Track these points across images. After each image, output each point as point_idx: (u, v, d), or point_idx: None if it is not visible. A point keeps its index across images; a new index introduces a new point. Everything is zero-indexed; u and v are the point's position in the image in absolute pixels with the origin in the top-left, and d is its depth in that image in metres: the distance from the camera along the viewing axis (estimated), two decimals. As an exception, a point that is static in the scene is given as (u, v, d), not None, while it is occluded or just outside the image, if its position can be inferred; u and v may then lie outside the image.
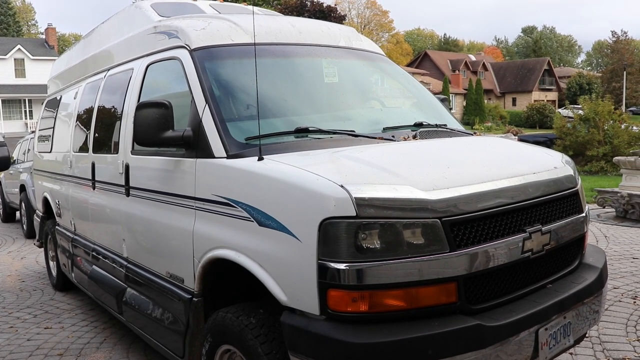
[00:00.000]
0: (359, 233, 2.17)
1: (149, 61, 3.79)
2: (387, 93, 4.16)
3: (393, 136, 3.16)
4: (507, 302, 2.51)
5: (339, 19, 43.01)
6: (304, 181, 2.35)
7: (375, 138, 3.09)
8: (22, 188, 10.26)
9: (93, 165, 4.63)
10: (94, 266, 4.71)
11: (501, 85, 66.33)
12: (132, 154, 3.79)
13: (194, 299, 3.03)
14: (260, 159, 2.65)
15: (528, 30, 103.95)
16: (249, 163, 2.69)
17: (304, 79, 3.62)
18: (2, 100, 44.69)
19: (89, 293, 5.01)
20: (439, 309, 2.28)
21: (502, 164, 2.90)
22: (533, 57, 78.29)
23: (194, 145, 3.04)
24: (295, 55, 3.63)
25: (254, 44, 3.00)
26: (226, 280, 3.01)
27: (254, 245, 2.55)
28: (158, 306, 3.47)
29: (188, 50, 3.31)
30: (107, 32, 4.93)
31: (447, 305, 2.29)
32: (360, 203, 2.18)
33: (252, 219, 2.57)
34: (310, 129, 3.00)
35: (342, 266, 2.16)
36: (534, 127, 49.25)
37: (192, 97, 3.15)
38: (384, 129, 3.30)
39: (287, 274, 2.37)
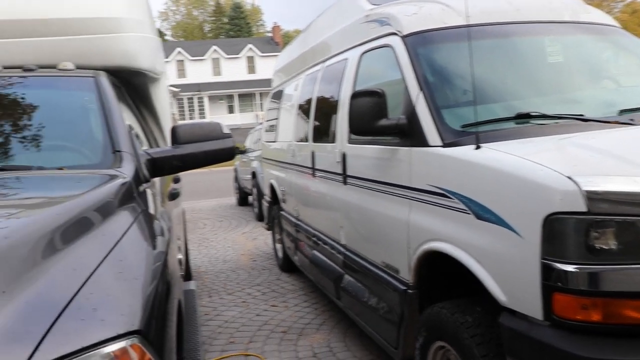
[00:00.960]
0: (590, 231, 1.91)
1: (362, 50, 3.83)
2: (623, 70, 3.67)
3: (632, 120, 2.75)
4: None
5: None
6: (525, 172, 2.15)
7: (609, 122, 2.73)
8: (253, 175, 11.18)
9: (313, 154, 4.84)
10: (314, 251, 4.95)
11: None
12: (348, 142, 3.86)
13: (408, 290, 2.99)
14: (478, 147, 2.50)
15: None
16: (466, 152, 2.55)
17: (524, 60, 3.34)
18: (238, 94, 49.63)
19: (310, 276, 5.29)
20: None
21: None
22: None
23: (408, 133, 2.98)
24: (513, 35, 3.37)
25: (467, 26, 2.83)
26: (442, 273, 2.91)
27: (470, 239, 2.41)
28: (373, 295, 3.51)
29: (400, 36, 3.26)
30: (323, 24, 5.10)
31: None
32: (591, 197, 1.92)
33: (469, 212, 2.43)
34: (532, 114, 2.75)
35: (570, 268, 1.93)
36: None
37: (405, 84, 3.09)
38: (620, 111, 2.90)
39: (507, 272, 2.19)
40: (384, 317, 3.32)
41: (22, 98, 2.92)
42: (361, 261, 3.71)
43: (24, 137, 2.67)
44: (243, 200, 13.25)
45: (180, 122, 3.37)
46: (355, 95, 3.09)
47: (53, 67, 3.21)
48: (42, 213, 1.66)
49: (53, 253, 1.45)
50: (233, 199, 14.15)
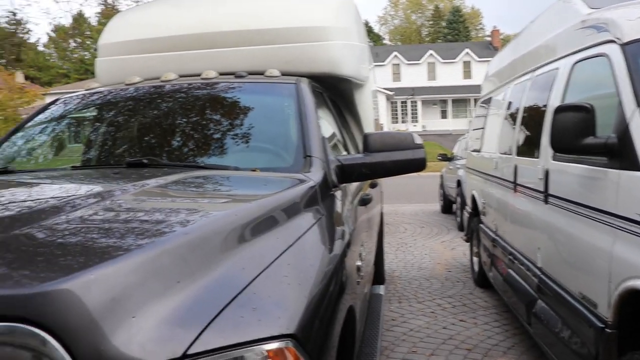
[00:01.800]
0: None
1: (574, 60, 3.50)
2: None
3: None
4: None
5: None
6: None
7: None
8: (458, 183, 10.94)
9: (515, 168, 4.59)
10: (509, 270, 4.68)
11: None
12: (552, 159, 3.58)
13: (606, 329, 2.67)
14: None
15: None
16: (685, 180, 2.20)
17: None
18: (451, 100, 49.05)
19: (503, 296, 5.02)
20: None
21: None
22: None
23: (618, 154, 2.66)
24: None
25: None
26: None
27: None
28: (567, 327, 3.20)
29: (618, 44, 2.91)
30: (535, 30, 4.78)
31: None
32: None
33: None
34: None
35: None
36: None
37: (620, 98, 2.76)
38: None
39: None
40: (577, 354, 3.01)
41: (230, 102, 3.20)
42: (557, 288, 3.41)
43: (226, 139, 2.93)
44: (447, 207, 13.02)
45: (372, 131, 3.41)
46: (559, 110, 2.85)
47: (262, 73, 3.46)
48: (225, 211, 1.80)
49: (228, 250, 1.56)
50: (437, 205, 13.99)
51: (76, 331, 1.11)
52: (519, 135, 4.62)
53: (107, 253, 1.34)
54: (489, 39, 58.90)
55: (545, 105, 3.90)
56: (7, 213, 1.68)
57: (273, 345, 1.31)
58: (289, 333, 1.36)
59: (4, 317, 1.09)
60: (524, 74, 4.90)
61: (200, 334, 1.23)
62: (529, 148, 4.25)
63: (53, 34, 70.20)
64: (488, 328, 4.97)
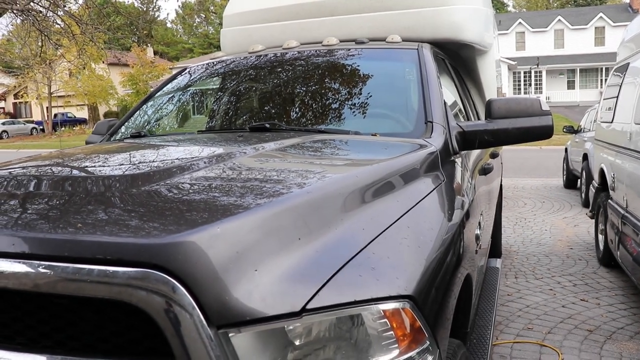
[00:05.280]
0: None
1: None
2: None
3: None
4: None
5: None
6: None
7: None
8: (585, 157, 10.33)
9: (652, 139, 4.26)
10: (640, 248, 4.39)
11: None
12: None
13: None
14: None
15: None
16: None
17: None
18: (579, 69, 45.96)
19: (632, 276, 4.71)
20: None
21: None
22: None
23: None
24: None
25: None
26: None
27: None
28: None
29: None
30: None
31: None
32: None
33: None
34: None
35: None
36: None
37: None
38: None
39: None
40: None
41: (351, 68, 3.22)
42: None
43: (347, 104, 2.95)
44: (571, 182, 12.36)
45: (495, 97, 3.29)
46: None
47: (382, 39, 3.44)
48: (346, 173, 1.83)
49: (349, 210, 1.57)
50: (560, 180, 13.32)
51: (203, 280, 1.17)
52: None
53: (231, 209, 1.39)
54: (627, 0, 54.12)
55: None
56: (137, 171, 1.82)
57: (390, 305, 1.31)
58: (407, 294, 1.35)
59: (138, 263, 1.17)
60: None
61: (318, 290, 1.25)
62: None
63: (180, 11, 73.86)
64: (613, 310, 4.70)
